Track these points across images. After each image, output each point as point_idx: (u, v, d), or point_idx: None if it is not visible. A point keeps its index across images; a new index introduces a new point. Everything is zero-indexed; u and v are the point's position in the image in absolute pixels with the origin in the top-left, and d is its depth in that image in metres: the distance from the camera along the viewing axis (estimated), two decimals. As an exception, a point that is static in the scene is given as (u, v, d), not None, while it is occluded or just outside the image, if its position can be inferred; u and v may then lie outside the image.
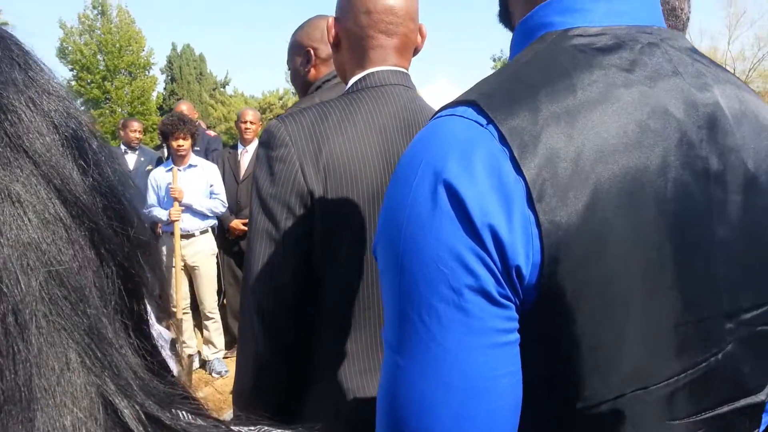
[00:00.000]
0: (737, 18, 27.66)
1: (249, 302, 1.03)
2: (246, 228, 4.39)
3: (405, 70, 1.15)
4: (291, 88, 32.54)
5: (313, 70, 1.65)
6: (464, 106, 0.53)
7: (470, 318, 0.48)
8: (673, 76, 0.55)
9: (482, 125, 0.50)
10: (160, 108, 37.07)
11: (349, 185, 1.02)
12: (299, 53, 1.68)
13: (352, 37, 1.12)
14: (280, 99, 31.54)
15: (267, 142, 1.03)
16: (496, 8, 0.76)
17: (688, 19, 1.45)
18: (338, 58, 1.20)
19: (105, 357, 0.34)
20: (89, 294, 0.34)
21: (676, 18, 1.42)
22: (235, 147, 4.60)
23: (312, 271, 1.03)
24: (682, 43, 0.59)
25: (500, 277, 0.48)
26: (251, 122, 4.47)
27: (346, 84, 1.17)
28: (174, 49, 38.32)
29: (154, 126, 33.81)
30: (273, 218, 1.01)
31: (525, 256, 0.48)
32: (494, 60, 38.90)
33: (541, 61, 0.55)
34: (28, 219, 0.32)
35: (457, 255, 0.48)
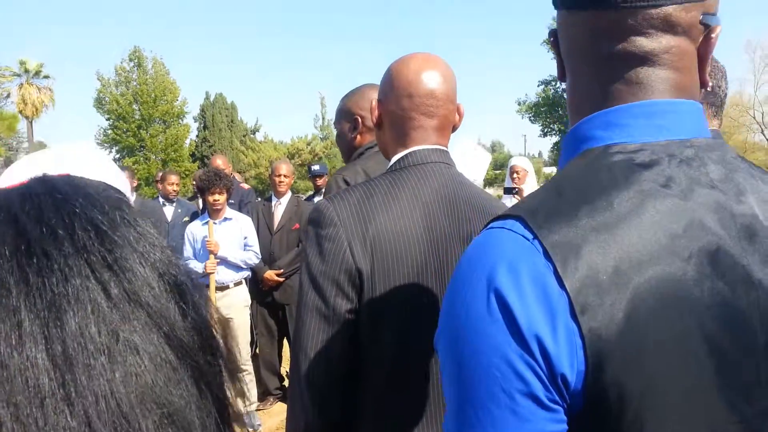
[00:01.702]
0: (763, 64, 27.57)
1: (299, 375, 1.07)
2: (279, 279, 4.46)
3: (445, 148, 1.20)
4: (319, 133, 33.14)
5: (359, 137, 1.75)
6: (513, 219, 0.58)
7: (521, 421, 0.52)
8: (710, 189, 0.58)
9: (528, 239, 0.55)
10: (193, 155, 38.07)
11: (394, 262, 1.06)
12: (348, 119, 1.78)
13: (395, 118, 1.19)
14: (308, 144, 32.07)
15: (316, 221, 1.09)
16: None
17: (725, 95, 1.49)
18: (381, 136, 1.26)
19: None
20: (193, 428, 0.39)
21: (714, 95, 1.46)
22: (269, 199, 4.72)
23: (359, 345, 1.07)
24: (721, 154, 0.63)
25: (548, 384, 0.52)
26: (285, 175, 4.59)
27: (389, 160, 1.23)
28: (207, 97, 39.54)
29: (187, 172, 34.66)
30: (323, 295, 1.05)
31: (570, 365, 0.52)
32: (519, 104, 39.09)
33: (582, 178, 0.60)
34: (145, 366, 0.37)
35: (508, 361, 0.52)
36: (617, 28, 0.62)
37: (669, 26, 0.61)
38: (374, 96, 1.72)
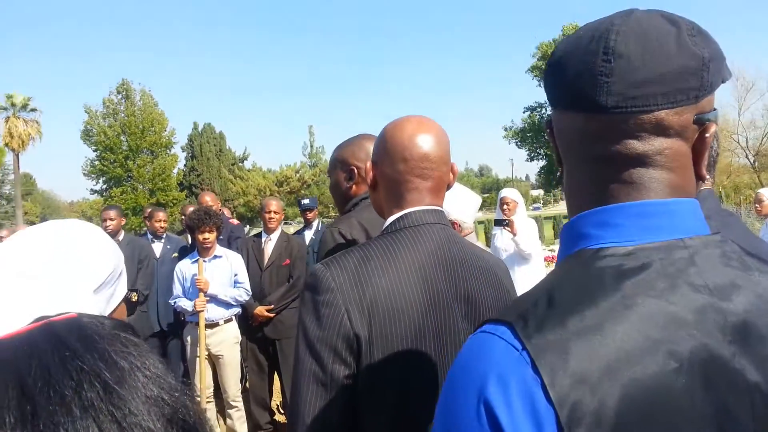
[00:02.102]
0: (746, 90, 28.31)
1: (296, 443, 1.05)
2: (269, 314, 4.43)
3: (440, 209, 1.21)
4: (307, 161, 33.24)
5: (354, 187, 1.77)
6: (504, 326, 0.58)
7: None
8: (701, 291, 0.57)
9: (518, 350, 0.55)
10: (180, 184, 37.97)
11: (392, 326, 1.06)
12: (343, 169, 1.79)
13: (390, 180, 1.20)
14: (297, 172, 32.08)
15: (313, 286, 1.08)
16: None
17: (717, 154, 1.51)
18: (375, 197, 1.28)
19: None
20: None
21: None
22: (259, 236, 4.71)
23: (358, 412, 1.06)
24: (718, 251, 0.62)
25: None
26: (275, 212, 4.61)
27: (384, 219, 1.24)
28: (195, 128, 39.60)
29: (174, 201, 34.63)
30: (320, 361, 1.04)
31: None
32: (505, 130, 39.53)
33: (574, 286, 0.59)
34: None
35: None
36: (609, 130, 0.62)
37: (661, 129, 0.61)
38: (370, 147, 1.74)
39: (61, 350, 0.40)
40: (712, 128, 0.63)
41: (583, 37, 0.65)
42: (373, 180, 1.25)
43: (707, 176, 0.66)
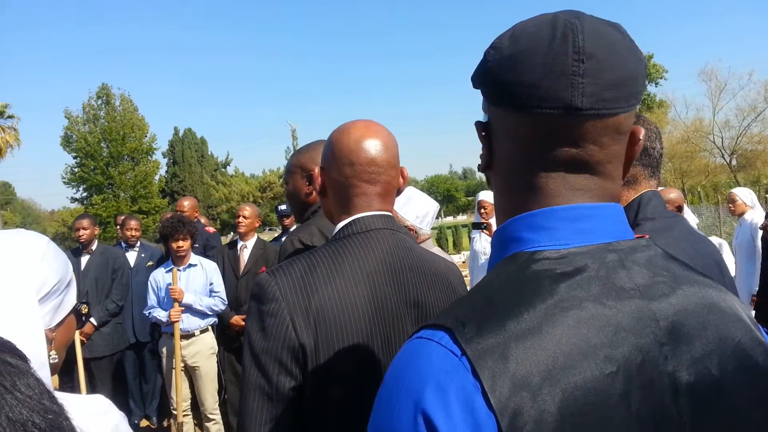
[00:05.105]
0: (719, 91, 28.73)
1: (243, 457, 1.03)
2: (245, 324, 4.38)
3: (389, 213, 1.19)
4: (290, 166, 33.10)
5: (314, 193, 1.74)
6: (441, 331, 0.56)
7: None
8: (632, 294, 0.58)
9: (457, 356, 0.53)
10: (162, 191, 37.63)
11: (339, 335, 1.04)
12: (302, 174, 1.77)
13: (338, 186, 1.18)
14: (281, 177, 31.93)
15: (258, 296, 1.06)
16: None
17: (660, 155, 1.51)
18: (325, 203, 1.26)
19: None
20: None
21: (648, 156, 1.48)
22: (234, 244, 4.65)
23: (305, 424, 1.04)
24: (646, 255, 0.62)
25: None
26: (245, 217, 4.54)
27: (334, 225, 1.22)
28: (176, 133, 39.24)
29: (156, 208, 34.32)
30: (266, 373, 1.02)
31: None
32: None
33: (510, 290, 0.58)
34: None
35: None
36: (574, 134, 0.60)
37: (618, 134, 0.61)
38: None
39: None
40: (642, 131, 0.64)
41: (539, 34, 0.61)
42: (322, 185, 1.23)
43: (623, 181, 0.67)
